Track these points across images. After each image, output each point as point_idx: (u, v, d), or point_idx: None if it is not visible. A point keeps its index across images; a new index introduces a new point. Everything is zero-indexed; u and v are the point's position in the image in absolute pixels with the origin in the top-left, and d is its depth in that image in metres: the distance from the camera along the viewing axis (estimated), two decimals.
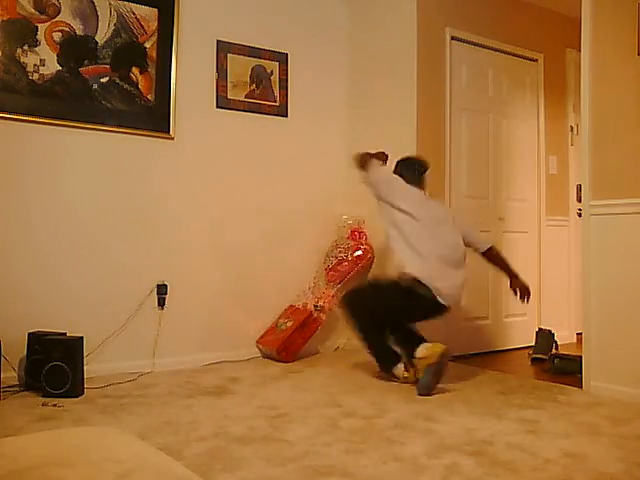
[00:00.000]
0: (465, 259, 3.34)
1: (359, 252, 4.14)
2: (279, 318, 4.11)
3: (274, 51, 4.18)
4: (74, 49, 3.45)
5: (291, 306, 4.16)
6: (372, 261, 4.21)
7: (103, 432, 1.39)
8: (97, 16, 3.52)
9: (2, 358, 2.94)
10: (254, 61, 4.10)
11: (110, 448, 1.20)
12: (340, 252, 4.20)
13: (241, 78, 4.05)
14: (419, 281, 3.12)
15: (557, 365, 3.66)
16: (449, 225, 3.35)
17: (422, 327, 3.37)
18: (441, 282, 3.14)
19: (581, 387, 3.19)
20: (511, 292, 3.35)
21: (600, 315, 3.13)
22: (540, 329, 4.24)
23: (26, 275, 3.31)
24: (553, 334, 4.15)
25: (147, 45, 3.68)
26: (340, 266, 4.16)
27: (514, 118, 4.58)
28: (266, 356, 4.02)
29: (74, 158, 3.47)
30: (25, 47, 3.31)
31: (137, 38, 3.65)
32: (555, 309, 4.71)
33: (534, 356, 4.05)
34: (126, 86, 3.62)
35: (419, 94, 3.97)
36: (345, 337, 4.40)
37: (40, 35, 3.34)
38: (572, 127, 4.86)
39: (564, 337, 4.53)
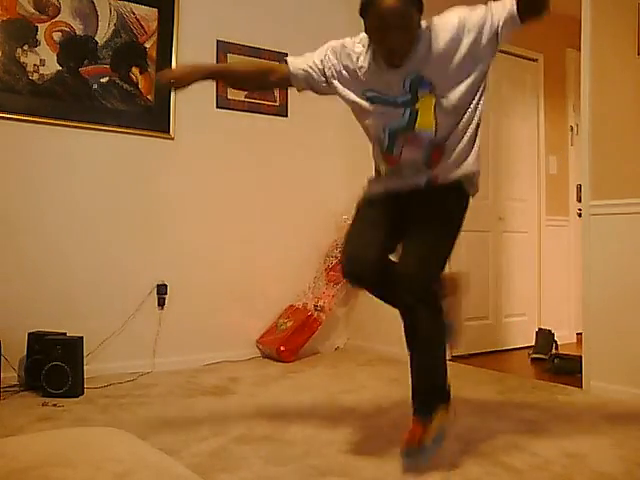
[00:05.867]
0: None
1: None
2: (279, 318, 4.10)
3: (274, 51, 4.18)
4: (74, 49, 3.45)
5: (291, 306, 4.16)
6: None
7: (103, 432, 1.39)
8: (97, 16, 3.52)
9: (2, 358, 2.94)
10: None
11: (110, 448, 1.20)
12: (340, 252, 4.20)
13: None
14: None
15: (557, 365, 3.66)
16: None
17: None
18: None
19: (581, 387, 3.19)
20: None
21: (600, 315, 3.13)
22: (540, 329, 4.24)
23: (26, 275, 3.31)
24: (553, 334, 4.15)
25: (147, 45, 3.68)
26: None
27: (514, 118, 4.58)
28: (266, 356, 4.02)
29: (74, 158, 3.47)
30: (25, 47, 3.31)
31: (137, 38, 3.65)
32: (555, 309, 4.72)
33: (534, 356, 4.05)
34: (126, 86, 3.62)
35: None
36: (345, 337, 4.41)
37: (40, 35, 3.34)
38: (572, 127, 4.86)
39: (564, 337, 4.53)
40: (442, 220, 2.12)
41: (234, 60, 4.01)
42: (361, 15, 1.97)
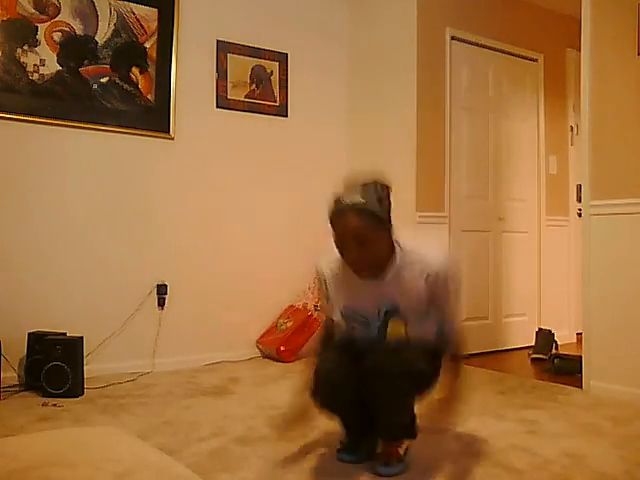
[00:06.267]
0: None
1: None
2: (279, 318, 4.10)
3: (274, 51, 4.18)
4: (74, 49, 3.45)
5: (291, 306, 4.16)
6: None
7: (103, 432, 1.39)
8: (97, 16, 3.52)
9: (2, 358, 2.94)
10: (254, 61, 4.10)
11: (110, 448, 1.20)
12: None
13: (241, 78, 4.05)
14: None
15: (557, 365, 3.66)
16: None
17: None
18: None
19: (581, 387, 3.19)
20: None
21: (600, 315, 3.13)
22: (540, 329, 4.24)
23: (26, 275, 3.30)
24: (553, 334, 4.15)
25: (147, 45, 3.68)
26: None
27: (514, 118, 4.58)
28: (266, 356, 4.02)
29: (74, 158, 3.47)
30: (25, 47, 3.31)
31: (137, 38, 3.65)
32: (555, 309, 4.71)
33: (534, 356, 4.05)
34: (126, 86, 3.62)
35: (419, 94, 3.97)
36: None
37: (40, 35, 3.34)
38: (572, 127, 4.86)
39: (564, 337, 4.53)
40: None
41: (234, 60, 4.00)
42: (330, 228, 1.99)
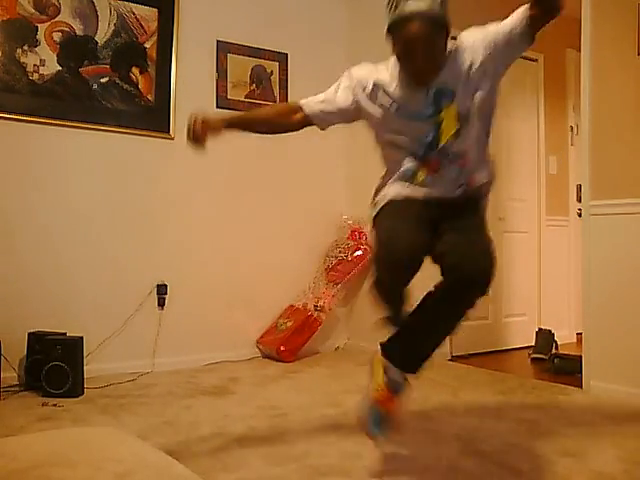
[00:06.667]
0: None
1: (359, 252, 4.14)
2: (279, 318, 4.11)
3: (274, 51, 4.18)
4: (74, 49, 3.45)
5: (291, 306, 4.16)
6: None
7: (103, 432, 1.39)
8: (97, 16, 3.52)
9: (2, 358, 2.94)
10: (254, 61, 4.10)
11: (110, 448, 1.20)
12: (340, 252, 4.20)
13: (241, 78, 4.05)
14: None
15: (557, 365, 3.66)
16: None
17: None
18: None
19: (581, 387, 3.19)
20: None
21: (600, 315, 3.13)
22: (540, 329, 4.24)
23: (26, 275, 3.30)
24: (553, 334, 4.15)
25: (147, 45, 3.68)
26: (340, 266, 4.16)
27: (514, 118, 4.58)
28: (266, 356, 4.02)
29: (74, 158, 3.47)
30: (25, 47, 3.31)
31: (137, 38, 3.65)
32: (555, 309, 4.72)
33: (534, 356, 4.05)
34: (126, 86, 3.62)
35: None
36: (345, 337, 4.41)
37: (40, 35, 3.34)
38: (572, 127, 4.86)
39: (564, 337, 4.53)
40: (476, 219, 2.14)
41: (234, 60, 4.01)
42: (387, 37, 1.97)
